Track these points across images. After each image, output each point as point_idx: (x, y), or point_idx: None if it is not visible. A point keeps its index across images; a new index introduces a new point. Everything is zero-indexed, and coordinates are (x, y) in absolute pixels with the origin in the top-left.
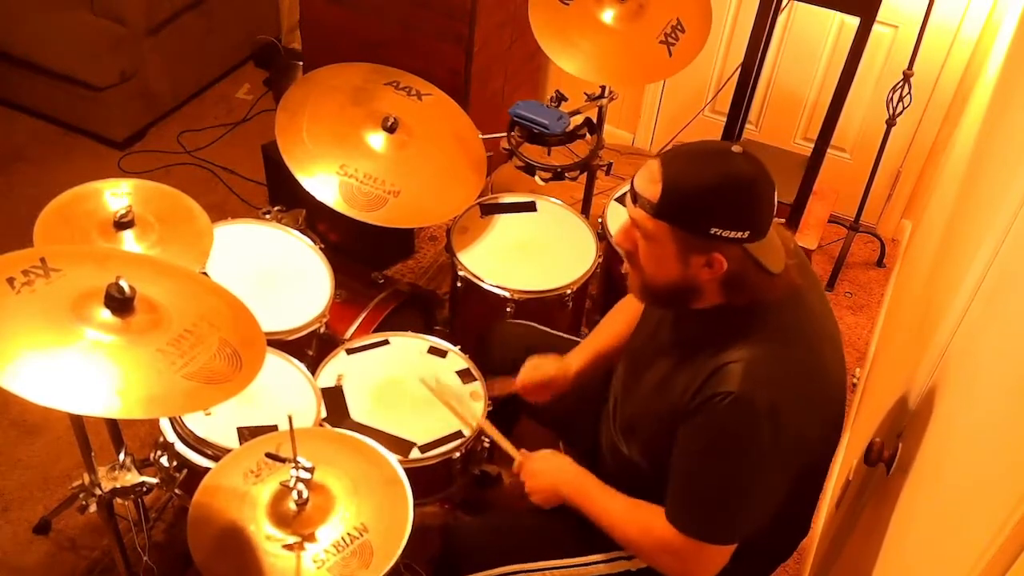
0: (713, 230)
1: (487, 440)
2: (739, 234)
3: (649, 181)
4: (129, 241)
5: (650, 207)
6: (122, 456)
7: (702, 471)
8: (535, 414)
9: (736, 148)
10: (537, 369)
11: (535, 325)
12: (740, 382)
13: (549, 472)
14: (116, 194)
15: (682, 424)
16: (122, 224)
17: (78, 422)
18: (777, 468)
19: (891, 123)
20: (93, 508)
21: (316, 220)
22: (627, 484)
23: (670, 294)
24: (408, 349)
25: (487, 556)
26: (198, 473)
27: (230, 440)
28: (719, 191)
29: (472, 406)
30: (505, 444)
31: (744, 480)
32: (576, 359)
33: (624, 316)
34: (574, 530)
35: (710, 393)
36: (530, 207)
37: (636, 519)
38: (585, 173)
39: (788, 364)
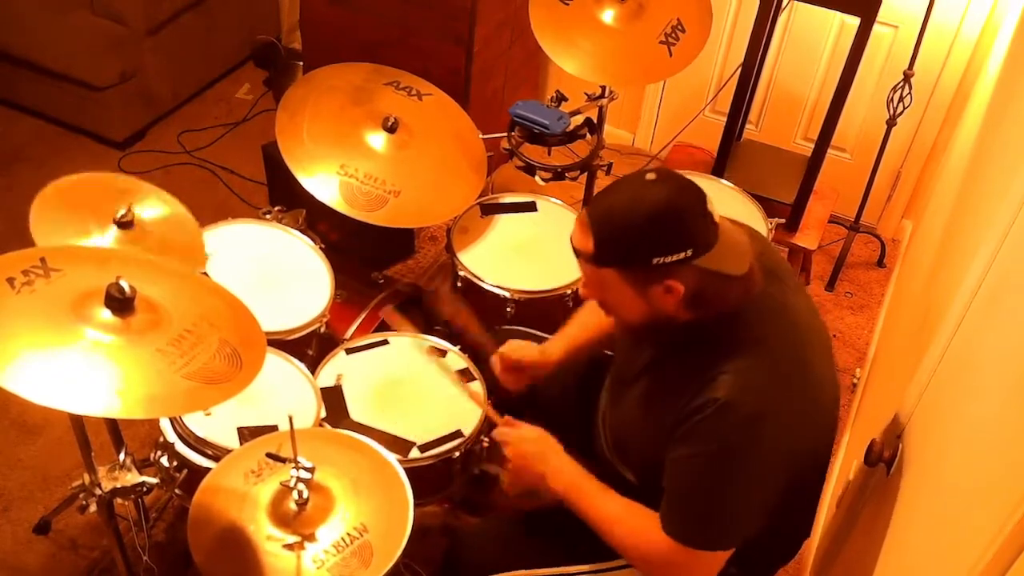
0: (655, 260)
1: (486, 440)
2: (682, 255)
3: (582, 235)
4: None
5: (590, 259)
6: (122, 456)
7: (692, 478)
8: (536, 416)
9: (649, 176)
10: (517, 349)
11: (531, 331)
12: (728, 390)
13: (540, 458)
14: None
15: (673, 435)
16: (122, 224)
17: (78, 422)
18: (767, 474)
19: (891, 123)
20: (93, 508)
21: (316, 220)
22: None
23: (648, 328)
24: (407, 349)
25: (494, 560)
26: (198, 473)
27: (230, 440)
28: (645, 223)
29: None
30: (488, 410)
31: (734, 486)
32: (557, 347)
33: None
34: (581, 536)
35: (700, 402)
36: (530, 207)
37: (631, 524)
38: (585, 173)
39: (776, 373)
